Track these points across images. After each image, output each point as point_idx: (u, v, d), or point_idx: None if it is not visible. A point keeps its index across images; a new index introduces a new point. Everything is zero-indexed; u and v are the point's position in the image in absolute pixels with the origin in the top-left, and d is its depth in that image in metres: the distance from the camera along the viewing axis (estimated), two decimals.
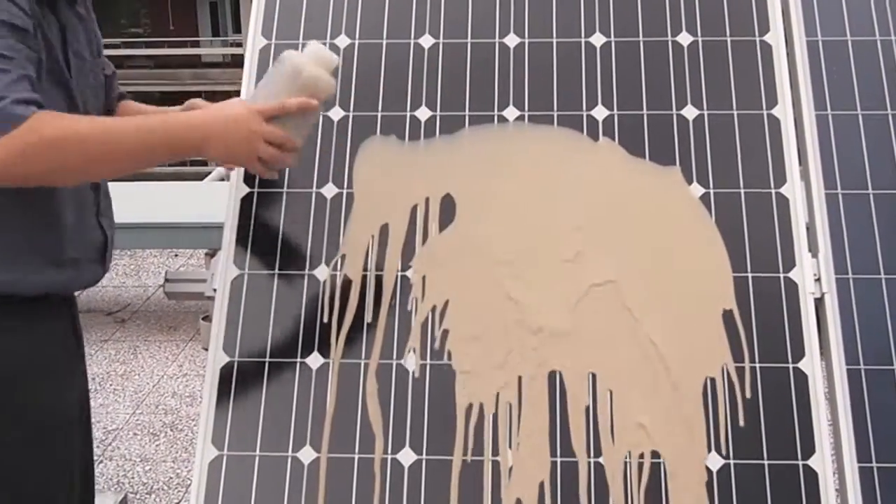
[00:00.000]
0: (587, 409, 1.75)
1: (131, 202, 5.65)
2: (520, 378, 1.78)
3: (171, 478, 3.56)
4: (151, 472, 3.61)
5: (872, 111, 1.98)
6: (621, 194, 1.92)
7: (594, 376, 1.78)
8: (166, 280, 1.79)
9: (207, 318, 4.73)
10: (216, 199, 5.15)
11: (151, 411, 4.11)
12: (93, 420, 3.98)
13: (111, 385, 4.38)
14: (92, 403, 4.12)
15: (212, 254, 4.75)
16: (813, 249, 1.87)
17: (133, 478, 3.57)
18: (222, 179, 6.12)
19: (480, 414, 1.77)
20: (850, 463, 1.69)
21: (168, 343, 4.83)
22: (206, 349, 4.71)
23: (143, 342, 4.86)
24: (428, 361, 1.81)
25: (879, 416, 1.72)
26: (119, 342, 4.86)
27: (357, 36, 2.11)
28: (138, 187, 6.68)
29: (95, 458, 3.70)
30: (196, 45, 22.58)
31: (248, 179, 2.00)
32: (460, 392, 1.78)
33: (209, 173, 6.44)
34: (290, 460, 1.76)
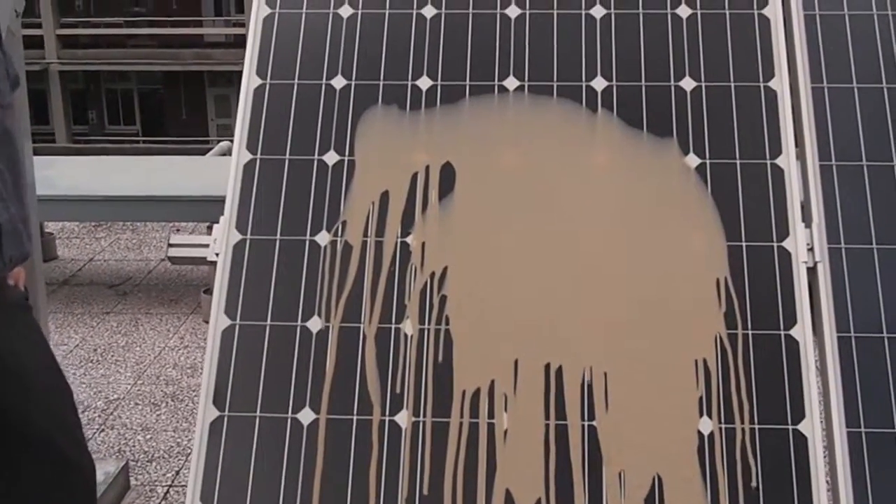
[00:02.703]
0: (583, 377, 1.78)
1: (133, 175, 5.70)
2: (518, 344, 1.81)
3: (171, 446, 3.59)
4: (152, 440, 3.64)
5: (868, 84, 2.00)
6: (617, 169, 1.94)
7: (590, 351, 1.81)
8: (170, 245, 1.82)
9: (209, 292, 4.76)
10: (218, 173, 5.18)
11: (153, 382, 4.14)
12: (94, 390, 4.02)
13: (113, 356, 4.41)
14: (94, 374, 4.17)
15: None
16: (807, 219, 1.89)
17: (134, 446, 3.60)
18: (224, 154, 6.16)
19: (477, 377, 1.80)
20: (839, 428, 1.72)
21: (169, 315, 4.86)
22: (208, 321, 4.75)
23: (144, 314, 4.89)
24: (426, 326, 1.84)
25: (868, 382, 1.75)
26: (121, 314, 4.89)
27: (360, 6, 2.13)
28: (140, 161, 6.71)
29: (97, 427, 3.74)
30: (199, 24, 22.54)
31: (251, 146, 2.02)
32: (458, 356, 1.81)
33: (211, 148, 6.46)
34: (289, 421, 1.80)
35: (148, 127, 23.48)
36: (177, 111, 23.51)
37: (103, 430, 3.72)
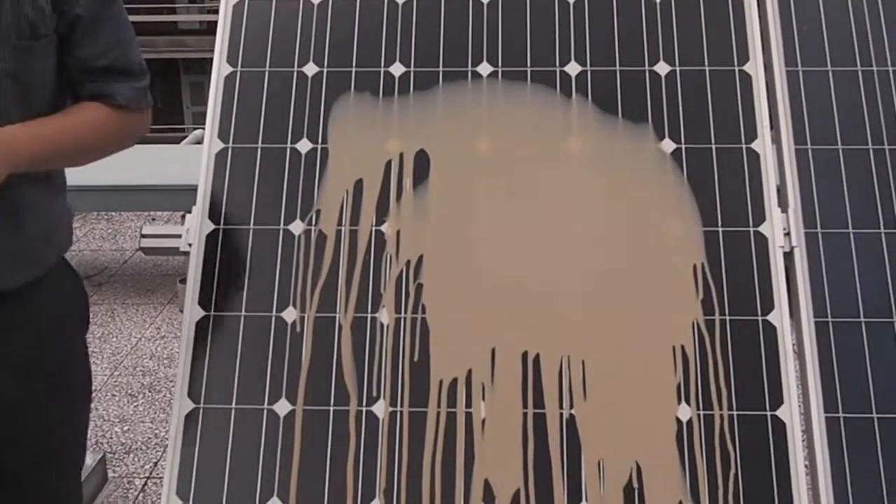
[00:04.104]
0: (560, 367, 1.78)
1: (107, 164, 5.64)
2: (495, 332, 1.80)
3: (149, 438, 3.58)
4: (129, 432, 3.62)
5: (842, 67, 2.00)
6: (593, 155, 1.93)
7: (567, 340, 1.80)
8: (142, 236, 1.80)
9: (185, 281, 4.74)
10: (193, 161, 5.15)
11: (129, 373, 4.12)
12: None
13: (89, 347, 4.39)
14: None
15: None
16: (783, 204, 1.89)
17: (111, 438, 3.58)
18: (199, 142, 6.12)
19: (454, 367, 1.79)
20: (817, 413, 1.72)
21: (145, 306, 4.83)
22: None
23: (120, 305, 4.86)
24: (402, 315, 1.83)
25: (846, 367, 1.75)
26: (96, 305, 4.86)
27: None
28: None
29: None
30: (172, 11, 22.39)
31: (223, 135, 2.00)
32: (434, 345, 1.80)
33: (183, 135, 6.42)
34: (265, 412, 1.78)
35: None
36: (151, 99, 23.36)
37: None
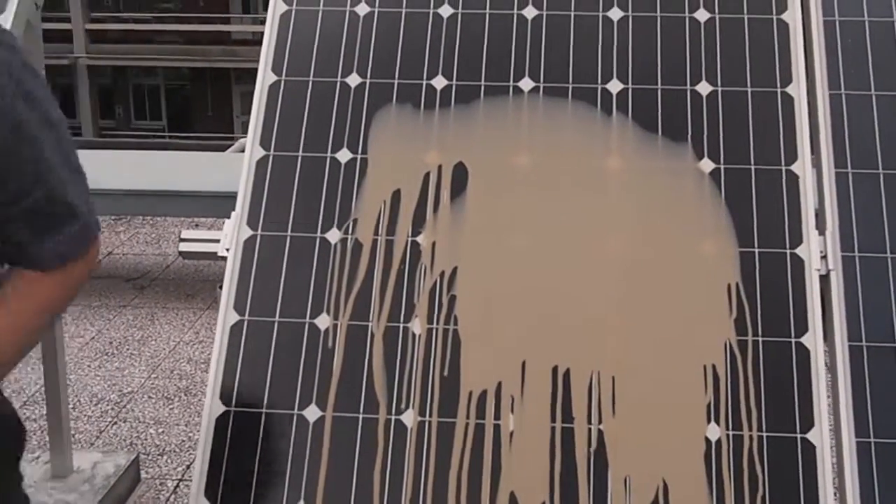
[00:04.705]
0: (589, 382, 1.77)
1: (154, 170, 5.72)
2: (526, 346, 1.81)
3: (183, 440, 3.61)
4: (164, 434, 3.66)
5: (886, 91, 1.99)
6: (631, 173, 1.93)
7: (598, 358, 1.80)
8: (181, 240, 1.82)
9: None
10: (238, 169, 5.19)
11: (166, 376, 4.15)
12: (109, 383, 4.04)
13: (128, 349, 4.43)
14: (108, 367, 4.19)
15: None
16: (820, 227, 1.88)
17: (146, 439, 3.62)
18: (244, 150, 6.15)
19: (484, 378, 1.79)
20: (848, 438, 1.71)
21: (185, 310, 4.88)
22: None
23: (160, 309, 4.90)
24: (435, 326, 1.84)
25: (879, 392, 1.73)
26: (137, 308, 4.91)
27: (377, 4, 2.13)
28: (162, 156, 6.74)
29: (110, 419, 3.75)
30: (226, 21, 22.64)
31: (265, 143, 2.02)
32: (465, 357, 1.81)
33: (231, 144, 6.48)
34: (295, 418, 1.79)
35: (174, 122, 23.58)
36: (202, 107, 23.60)
37: (116, 423, 3.74)
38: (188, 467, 3.42)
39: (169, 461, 3.46)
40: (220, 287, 4.57)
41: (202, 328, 4.64)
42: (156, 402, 3.92)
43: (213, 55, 21.95)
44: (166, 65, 22.39)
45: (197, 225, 6.03)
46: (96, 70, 22.29)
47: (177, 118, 23.69)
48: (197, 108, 23.65)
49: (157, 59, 22.02)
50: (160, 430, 3.68)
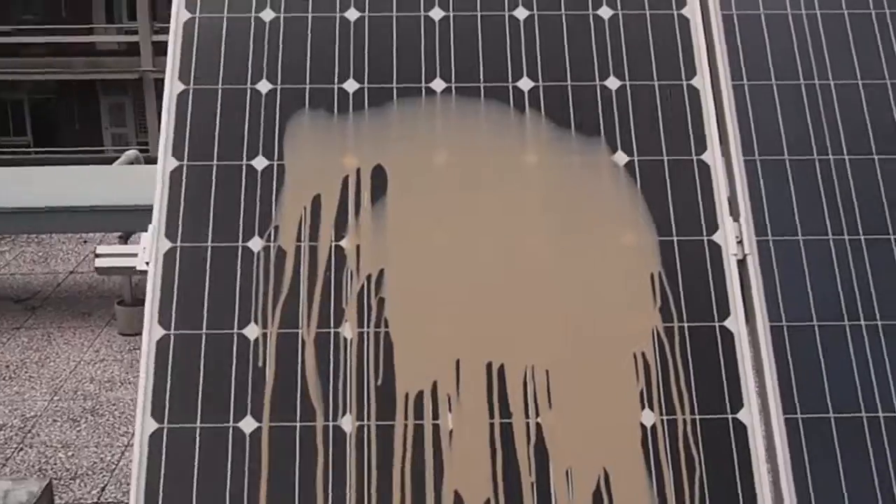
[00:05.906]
0: (524, 376, 1.80)
1: (34, 186, 5.56)
2: (458, 343, 1.82)
3: (94, 462, 3.52)
4: (74, 457, 3.57)
5: (785, 81, 2.06)
6: (548, 168, 1.96)
7: (530, 351, 1.82)
8: (96, 255, 1.77)
9: (123, 303, 4.67)
10: (126, 182, 5.08)
11: (70, 397, 4.05)
12: (9, 408, 3.92)
13: (26, 372, 4.31)
14: (7, 391, 4.07)
15: (125, 237, 4.69)
16: (734, 213, 1.94)
17: (56, 464, 3.52)
18: (132, 162, 6.04)
19: (419, 379, 1.80)
20: (777, 414, 1.77)
21: (83, 329, 4.76)
22: (123, 334, 4.66)
23: (56, 329, 4.78)
24: (365, 329, 1.84)
25: (801, 369, 1.80)
26: (32, 329, 4.78)
27: (282, 10, 2.11)
28: (44, 171, 6.55)
29: (15, 446, 3.65)
30: (90, 32, 22.08)
31: (178, 153, 1.99)
32: (399, 358, 1.81)
33: (106, 157, 6.35)
34: (231, 430, 1.77)
35: (39, 137, 22.90)
36: (70, 121, 22.98)
37: (22, 449, 3.63)
38: (103, 489, 3.34)
39: (82, 484, 3.38)
40: (119, 303, 4.47)
41: (102, 346, 4.54)
42: (62, 425, 3.82)
43: (77, 67, 21.39)
44: (31, 78, 21.74)
45: (86, 241, 5.89)
46: None
47: (42, 133, 23.03)
48: (64, 121, 23.02)
49: (21, 72, 21.38)
50: (69, 454, 3.59)
